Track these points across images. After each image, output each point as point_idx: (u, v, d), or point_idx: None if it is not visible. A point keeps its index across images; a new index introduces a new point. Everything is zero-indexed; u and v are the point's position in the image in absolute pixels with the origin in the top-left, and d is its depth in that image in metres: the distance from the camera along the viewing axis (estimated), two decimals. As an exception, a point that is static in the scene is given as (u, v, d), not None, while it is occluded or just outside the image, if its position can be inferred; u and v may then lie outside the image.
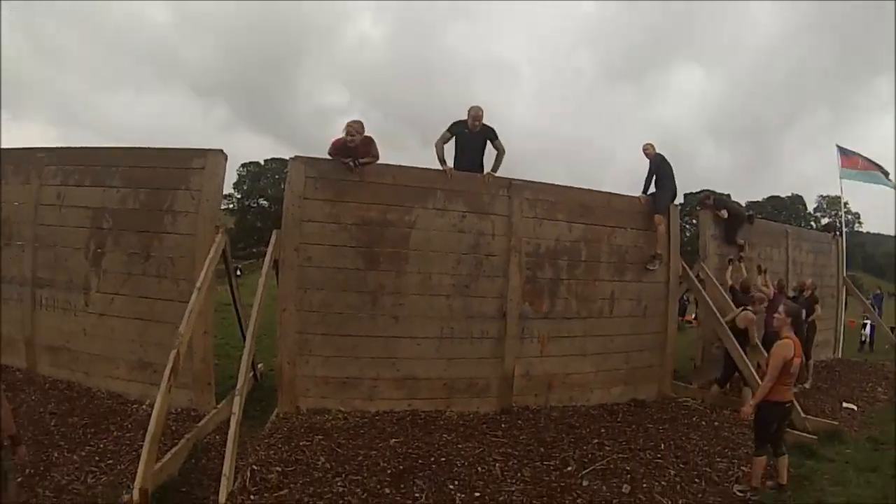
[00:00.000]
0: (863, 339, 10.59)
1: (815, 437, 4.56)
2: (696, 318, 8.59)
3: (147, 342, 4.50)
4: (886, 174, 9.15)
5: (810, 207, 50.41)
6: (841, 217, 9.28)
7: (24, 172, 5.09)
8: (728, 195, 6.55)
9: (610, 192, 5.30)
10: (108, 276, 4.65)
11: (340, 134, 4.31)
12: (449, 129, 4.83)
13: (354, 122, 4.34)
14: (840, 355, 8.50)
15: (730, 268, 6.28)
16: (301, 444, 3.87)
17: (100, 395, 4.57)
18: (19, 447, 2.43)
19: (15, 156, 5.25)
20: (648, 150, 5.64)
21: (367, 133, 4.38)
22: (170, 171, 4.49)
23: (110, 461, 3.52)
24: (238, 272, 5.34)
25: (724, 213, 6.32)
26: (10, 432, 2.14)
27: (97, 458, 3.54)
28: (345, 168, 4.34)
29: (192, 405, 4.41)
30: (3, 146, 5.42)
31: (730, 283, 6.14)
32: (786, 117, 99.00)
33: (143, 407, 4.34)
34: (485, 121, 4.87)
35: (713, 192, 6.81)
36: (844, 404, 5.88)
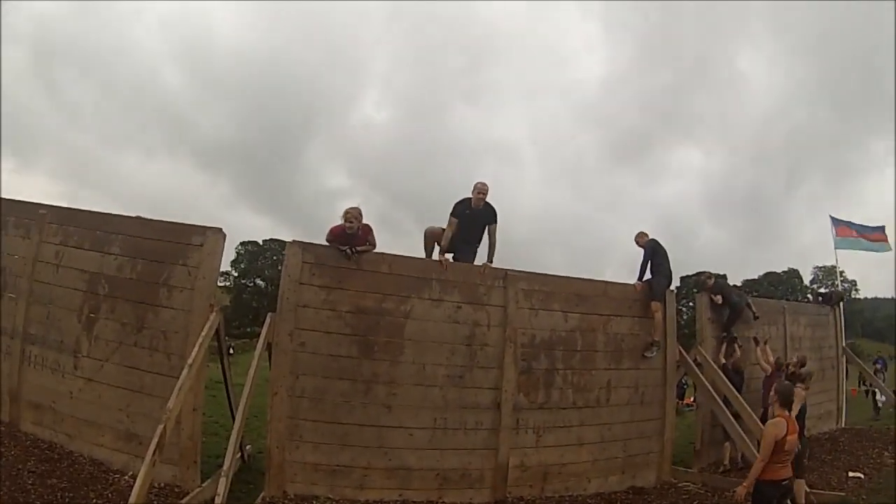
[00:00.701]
0: (879, 405, 10.38)
1: None
2: (694, 401, 8.47)
3: (135, 413, 4.42)
4: (882, 235, 9.16)
5: (806, 280, 49.81)
6: (837, 286, 9.27)
7: (24, 226, 5.10)
8: (724, 276, 6.43)
9: (606, 281, 5.33)
10: (100, 343, 4.59)
11: (339, 220, 4.33)
12: (453, 214, 4.86)
13: (353, 208, 4.37)
14: (843, 425, 8.36)
15: (724, 345, 6.22)
16: (285, 530, 3.80)
17: (81, 461, 4.46)
18: None
19: (18, 208, 5.27)
20: (640, 240, 5.67)
21: (365, 220, 4.41)
22: (169, 245, 4.49)
23: (87, 529, 3.38)
24: (231, 351, 5.29)
25: (719, 299, 6.26)
26: None
27: (74, 525, 3.38)
28: (341, 255, 4.34)
29: (177, 481, 4.29)
30: (8, 196, 5.44)
31: (723, 361, 6.08)
32: (782, 188, 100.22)
33: (126, 478, 4.24)
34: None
35: (714, 275, 6.73)
36: (851, 474, 5.75)
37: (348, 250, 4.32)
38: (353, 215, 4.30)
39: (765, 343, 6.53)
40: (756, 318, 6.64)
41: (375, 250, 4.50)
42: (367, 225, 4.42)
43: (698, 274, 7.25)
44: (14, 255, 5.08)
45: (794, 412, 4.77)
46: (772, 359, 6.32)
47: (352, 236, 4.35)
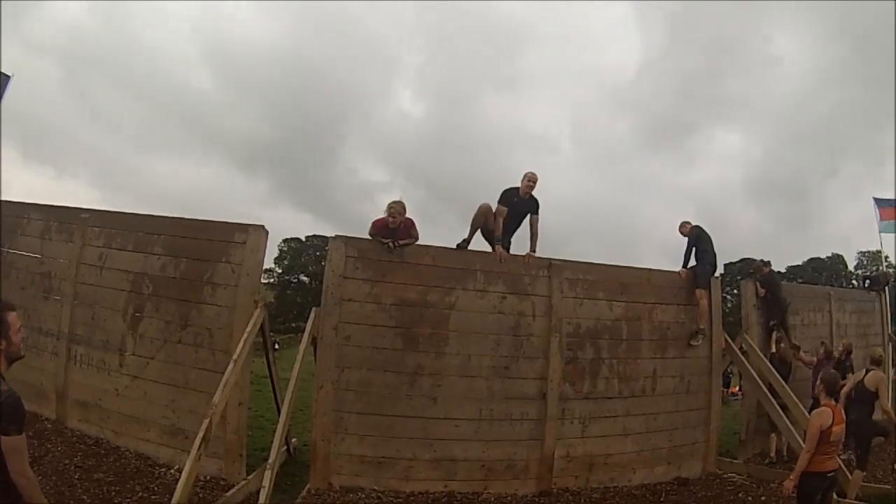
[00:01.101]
0: None
1: None
2: (740, 390, 8.25)
3: (180, 409, 4.49)
4: None
5: (851, 265, 47.42)
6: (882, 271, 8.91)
7: (67, 231, 5.21)
8: (769, 262, 6.07)
9: (650, 269, 5.23)
10: (145, 341, 4.67)
11: (382, 214, 4.34)
12: (502, 202, 4.84)
13: (396, 202, 4.40)
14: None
15: (774, 334, 6.01)
16: (331, 522, 3.82)
17: (128, 455, 4.54)
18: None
19: (59, 213, 5.40)
20: (683, 229, 5.55)
21: (408, 214, 4.42)
22: (212, 244, 4.55)
23: (133, 522, 3.40)
24: (276, 346, 5.35)
25: (762, 292, 6.01)
26: None
27: (120, 518, 3.41)
28: (384, 248, 4.36)
29: (222, 474, 4.36)
30: (49, 203, 5.59)
31: (773, 349, 5.90)
32: (824, 170, 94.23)
33: (172, 471, 4.31)
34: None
35: (768, 264, 6.43)
36: None
37: (390, 243, 4.33)
38: (396, 210, 4.33)
39: (799, 350, 6.23)
40: (796, 349, 6.10)
41: (418, 242, 4.48)
42: (409, 219, 4.45)
43: (743, 261, 7.01)
44: (58, 259, 5.20)
45: (884, 397, 4.61)
46: (807, 358, 6.10)
47: (394, 230, 4.37)
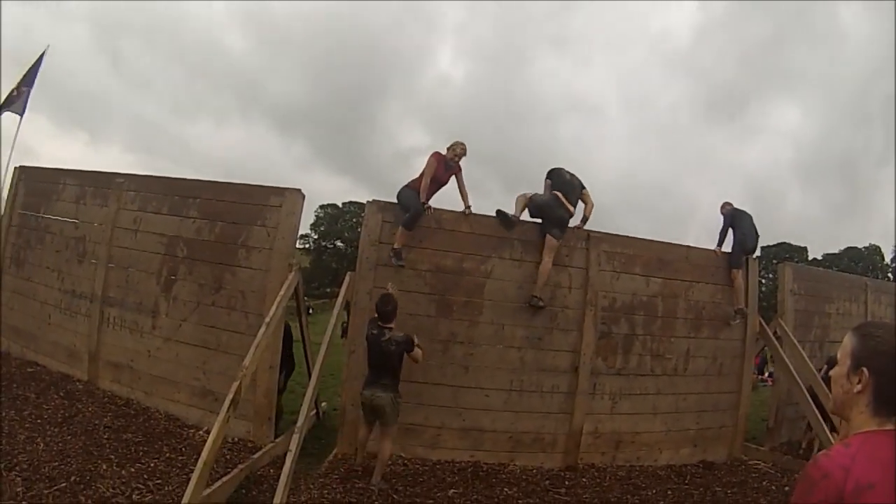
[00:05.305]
0: None
1: None
2: (770, 376, 8.11)
3: (211, 370, 4.54)
4: None
5: (887, 258, 45.34)
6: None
7: (102, 195, 5.29)
8: (805, 248, 5.86)
9: (689, 246, 5.12)
10: (178, 303, 4.73)
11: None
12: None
13: (461, 143, 4.43)
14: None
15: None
16: (357, 486, 3.84)
17: (157, 416, 4.60)
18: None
19: (94, 178, 5.48)
20: (723, 210, 5.44)
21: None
22: (247, 207, 4.57)
23: (159, 481, 3.47)
24: (310, 311, 5.39)
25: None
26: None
27: (146, 476, 3.50)
28: (416, 200, 4.32)
29: (250, 437, 4.40)
30: (84, 168, 5.69)
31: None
32: (879, 154, 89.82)
33: (200, 433, 4.36)
34: (567, 164, 4.86)
35: None
36: None
37: (425, 204, 4.31)
38: (461, 150, 4.42)
39: None
40: None
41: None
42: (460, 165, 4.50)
43: (780, 245, 6.84)
44: (93, 223, 5.28)
45: None
46: None
47: (451, 168, 4.43)
